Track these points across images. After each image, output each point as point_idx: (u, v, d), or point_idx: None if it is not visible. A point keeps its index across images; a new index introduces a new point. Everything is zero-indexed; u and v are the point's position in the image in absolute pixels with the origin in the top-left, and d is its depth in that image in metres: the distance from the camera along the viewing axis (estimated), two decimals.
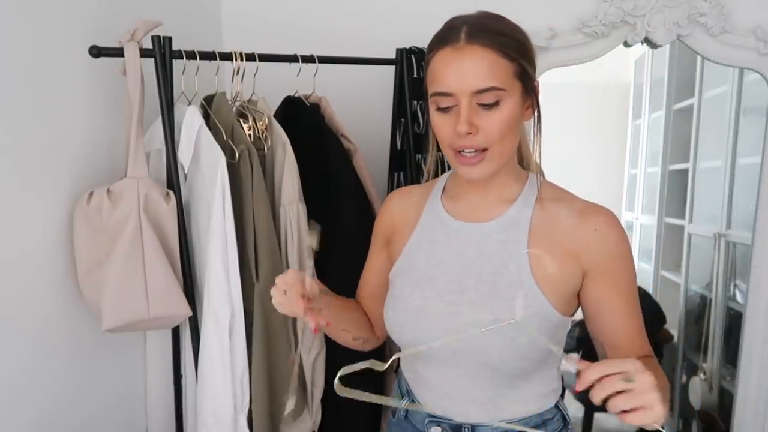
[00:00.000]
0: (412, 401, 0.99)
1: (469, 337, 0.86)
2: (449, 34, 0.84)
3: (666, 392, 0.76)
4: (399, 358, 1.00)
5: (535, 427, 0.93)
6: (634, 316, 0.89)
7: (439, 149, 0.95)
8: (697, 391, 2.40)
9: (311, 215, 1.30)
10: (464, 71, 0.81)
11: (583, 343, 2.65)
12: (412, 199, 1.03)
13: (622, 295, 0.88)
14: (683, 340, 2.76)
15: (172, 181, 1.22)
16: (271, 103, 1.38)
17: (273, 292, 0.88)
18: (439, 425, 0.94)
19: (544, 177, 0.98)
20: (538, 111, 0.90)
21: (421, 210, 1.00)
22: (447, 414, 0.94)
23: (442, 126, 0.85)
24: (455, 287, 0.90)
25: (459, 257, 0.92)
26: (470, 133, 0.82)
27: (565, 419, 0.97)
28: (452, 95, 0.82)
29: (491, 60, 0.81)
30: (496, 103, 0.82)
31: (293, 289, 0.85)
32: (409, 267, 0.96)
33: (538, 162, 0.96)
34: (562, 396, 1.00)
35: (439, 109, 0.85)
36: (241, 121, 1.27)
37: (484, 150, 0.84)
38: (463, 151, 0.84)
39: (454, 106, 0.83)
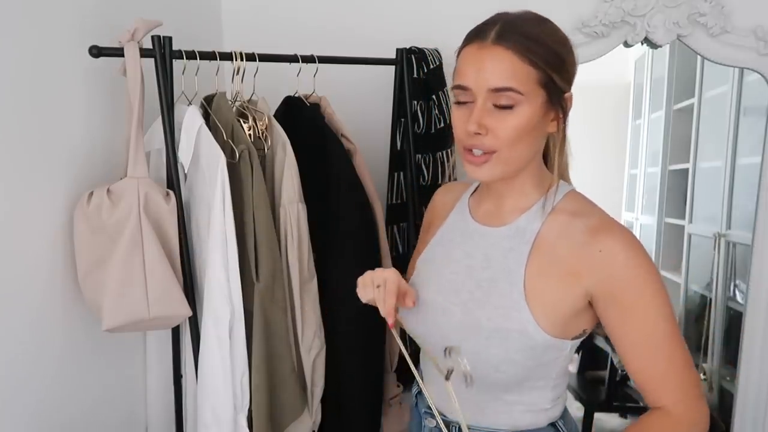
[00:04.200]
0: (420, 392, 1.01)
1: (455, 340, 0.87)
2: (481, 31, 0.84)
3: None
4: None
5: None
6: (653, 354, 0.81)
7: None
8: None
9: (311, 215, 1.30)
10: (484, 69, 0.81)
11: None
12: (452, 195, 1.05)
13: (636, 329, 0.82)
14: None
15: (172, 181, 1.22)
16: (271, 103, 1.38)
17: (365, 281, 0.90)
18: (433, 418, 0.95)
19: (572, 187, 0.93)
20: (564, 126, 0.87)
21: (453, 207, 1.02)
22: (443, 410, 0.95)
23: (457, 121, 0.86)
24: (455, 287, 0.91)
25: (467, 259, 0.93)
26: (479, 133, 0.82)
27: None
28: (470, 90, 0.83)
29: (512, 62, 0.80)
30: (510, 107, 0.81)
31: (390, 290, 0.86)
32: (429, 260, 1.00)
33: (554, 174, 0.91)
34: (564, 419, 0.95)
35: (458, 102, 0.86)
36: (241, 121, 1.27)
37: (492, 152, 0.83)
38: (472, 150, 0.84)
39: (471, 103, 0.83)
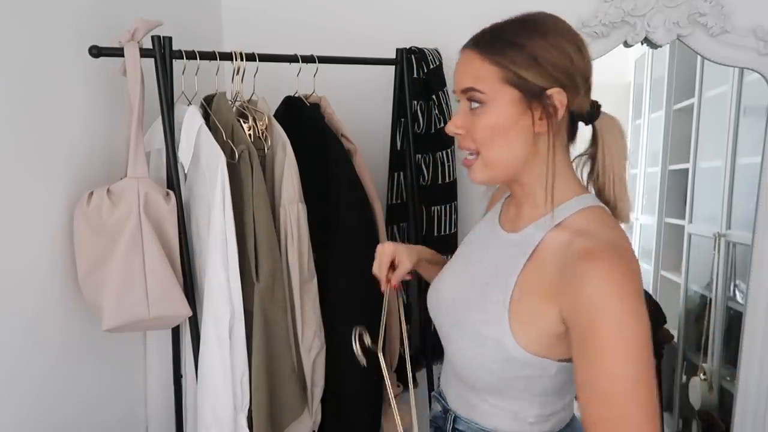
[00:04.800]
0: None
1: (454, 336, 0.91)
2: (469, 39, 0.87)
3: None
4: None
5: None
6: (605, 405, 0.70)
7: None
8: (697, 391, 2.40)
9: (311, 215, 1.30)
10: (458, 72, 0.86)
11: None
12: (501, 193, 1.07)
13: (583, 367, 0.73)
14: (683, 340, 2.76)
15: (172, 181, 1.22)
16: (271, 103, 1.38)
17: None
18: (439, 402, 1.02)
19: (596, 203, 0.87)
20: (550, 123, 0.82)
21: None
22: (445, 395, 1.00)
23: None
24: (464, 286, 0.94)
25: (482, 260, 0.94)
26: (458, 133, 0.86)
27: None
28: (455, 94, 0.88)
29: (475, 63, 0.83)
30: (479, 107, 0.83)
31: (383, 262, 1.06)
32: (456, 256, 1.03)
33: (546, 180, 0.87)
34: None
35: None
36: (241, 121, 1.27)
37: (478, 154, 0.86)
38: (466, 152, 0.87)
39: None
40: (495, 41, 0.83)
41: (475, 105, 0.83)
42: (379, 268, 1.09)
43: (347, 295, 1.34)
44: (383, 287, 1.08)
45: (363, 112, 1.64)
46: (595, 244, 0.76)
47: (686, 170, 2.78)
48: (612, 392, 0.70)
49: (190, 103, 1.27)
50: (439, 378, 1.07)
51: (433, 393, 1.05)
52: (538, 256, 0.83)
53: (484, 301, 0.86)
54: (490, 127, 0.82)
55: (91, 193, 1.12)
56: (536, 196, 0.87)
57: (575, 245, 0.78)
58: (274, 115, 1.36)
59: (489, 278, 0.88)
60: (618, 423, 0.70)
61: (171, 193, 1.19)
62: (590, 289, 0.72)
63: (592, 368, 0.72)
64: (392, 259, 1.08)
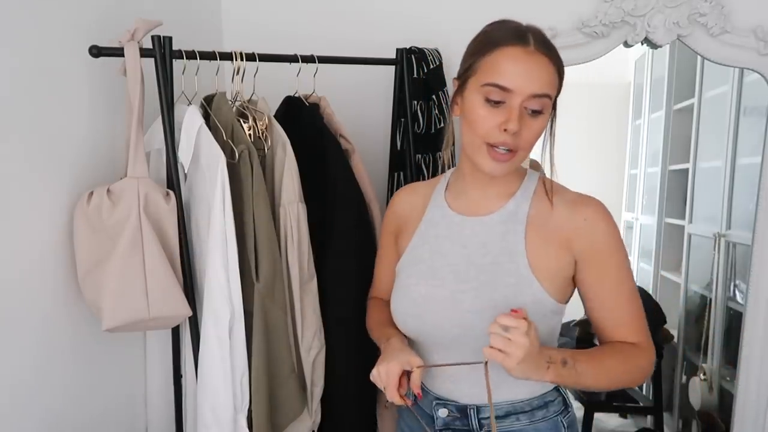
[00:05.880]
0: (422, 388, 1.01)
1: (469, 324, 0.92)
2: (518, 35, 0.88)
3: (560, 373, 0.86)
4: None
5: (536, 408, 0.97)
6: (623, 304, 0.94)
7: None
8: (697, 391, 2.40)
9: (311, 215, 1.30)
10: (531, 73, 0.86)
11: (583, 343, 2.65)
12: (417, 196, 1.09)
13: (609, 283, 0.94)
14: (683, 340, 2.76)
15: (172, 181, 1.22)
16: (271, 103, 1.38)
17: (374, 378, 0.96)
18: (445, 407, 0.99)
19: (539, 173, 1.02)
20: (553, 123, 0.95)
21: (425, 206, 1.06)
22: (452, 396, 0.98)
23: (485, 118, 0.88)
24: (457, 277, 0.95)
25: (461, 249, 0.97)
26: (515, 132, 0.87)
27: (566, 402, 1.01)
28: (510, 92, 0.86)
29: (550, 71, 0.88)
30: (540, 112, 0.88)
31: (394, 383, 0.93)
32: (415, 260, 1.02)
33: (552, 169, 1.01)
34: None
35: (489, 101, 0.87)
36: (241, 121, 1.27)
37: (515, 151, 0.89)
38: (498, 147, 0.88)
39: (503, 103, 0.87)
40: (556, 52, 0.89)
41: (536, 110, 0.87)
42: (392, 392, 0.93)
43: (343, 295, 1.34)
44: (404, 402, 0.94)
45: (363, 112, 1.64)
46: (574, 195, 0.96)
47: (686, 170, 2.78)
48: (631, 287, 0.95)
49: (190, 103, 1.27)
50: (412, 398, 1.00)
51: (435, 403, 1.00)
52: (534, 220, 0.95)
53: (500, 277, 0.91)
54: (539, 132, 0.90)
55: (91, 193, 1.12)
56: (508, 175, 0.95)
57: (558, 201, 0.95)
58: (275, 115, 1.36)
59: (491, 258, 0.93)
60: (639, 311, 0.95)
61: (171, 193, 1.19)
62: (602, 224, 0.93)
63: (616, 277, 0.93)
64: (401, 373, 0.94)
